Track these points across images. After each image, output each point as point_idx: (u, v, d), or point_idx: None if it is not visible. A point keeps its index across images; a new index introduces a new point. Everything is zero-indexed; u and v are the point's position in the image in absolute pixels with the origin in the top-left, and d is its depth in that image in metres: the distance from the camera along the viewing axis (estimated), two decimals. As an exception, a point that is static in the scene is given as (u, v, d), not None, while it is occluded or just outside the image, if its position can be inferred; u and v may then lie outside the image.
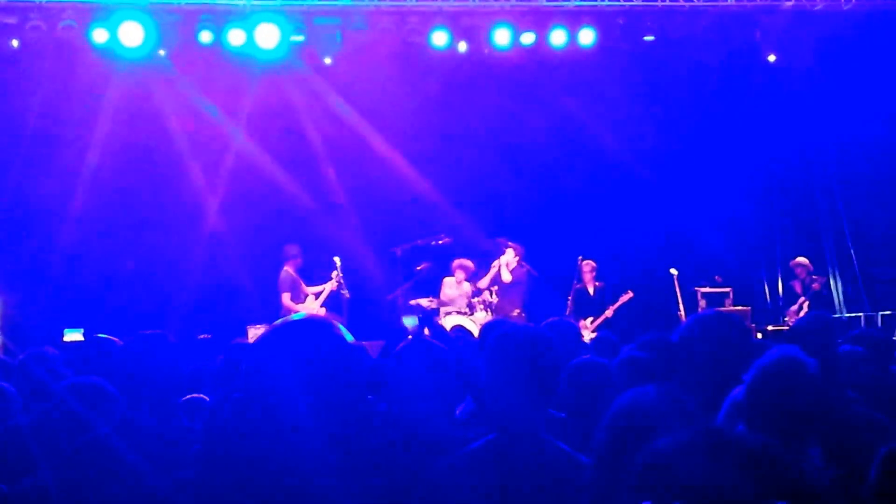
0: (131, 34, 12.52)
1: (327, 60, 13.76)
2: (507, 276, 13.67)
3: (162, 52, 13.24)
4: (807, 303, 13.77)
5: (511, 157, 14.99)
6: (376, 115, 14.47)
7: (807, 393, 3.52)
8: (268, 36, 12.84)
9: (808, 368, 3.57)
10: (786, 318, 13.91)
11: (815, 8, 13.81)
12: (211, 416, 3.35)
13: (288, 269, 13.21)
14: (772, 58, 14.11)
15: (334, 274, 13.29)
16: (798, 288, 14.14)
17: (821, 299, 13.98)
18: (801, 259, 14.21)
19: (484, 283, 13.75)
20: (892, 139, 14.63)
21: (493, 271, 13.78)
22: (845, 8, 13.78)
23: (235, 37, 12.83)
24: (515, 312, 13.37)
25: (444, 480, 3.15)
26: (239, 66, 13.39)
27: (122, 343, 4.87)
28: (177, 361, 4.40)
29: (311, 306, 13.19)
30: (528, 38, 13.54)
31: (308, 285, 13.42)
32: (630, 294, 13.96)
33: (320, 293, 13.38)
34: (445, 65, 14.08)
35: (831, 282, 15.40)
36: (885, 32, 14.03)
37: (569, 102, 14.76)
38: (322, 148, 14.73)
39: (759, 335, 12.36)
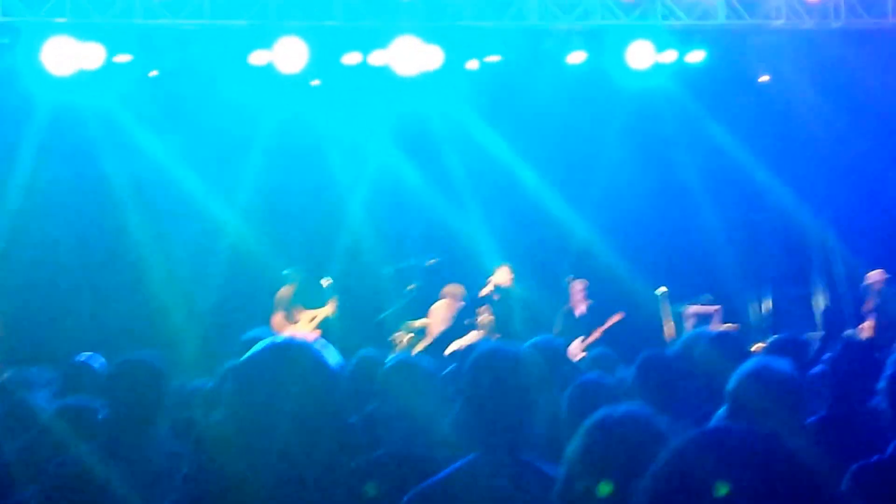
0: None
1: None
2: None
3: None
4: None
5: (500, 176, 14.96)
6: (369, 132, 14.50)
7: (786, 389, 3.60)
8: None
9: (783, 368, 3.66)
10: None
11: (804, 27, 13.88)
12: (199, 439, 3.35)
13: (286, 291, 13.25)
14: (764, 78, 14.13)
15: (330, 301, 13.29)
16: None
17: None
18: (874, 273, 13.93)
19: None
20: (880, 156, 14.68)
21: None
22: (834, 25, 13.84)
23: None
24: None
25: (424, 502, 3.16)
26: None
27: (107, 364, 4.87)
28: (165, 384, 4.39)
29: (304, 329, 13.19)
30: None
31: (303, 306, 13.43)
32: (620, 315, 13.91)
33: (314, 318, 13.39)
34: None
35: (818, 299, 15.42)
36: (873, 50, 14.08)
37: (553, 120, 14.68)
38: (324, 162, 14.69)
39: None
